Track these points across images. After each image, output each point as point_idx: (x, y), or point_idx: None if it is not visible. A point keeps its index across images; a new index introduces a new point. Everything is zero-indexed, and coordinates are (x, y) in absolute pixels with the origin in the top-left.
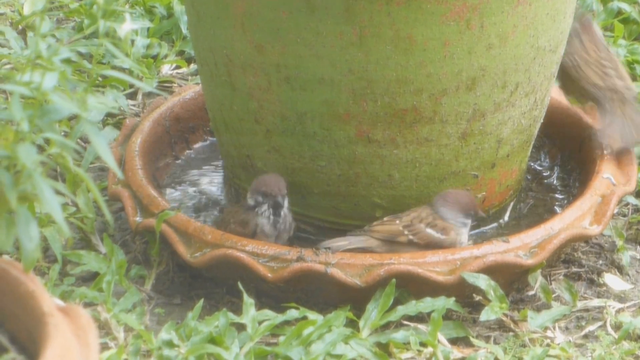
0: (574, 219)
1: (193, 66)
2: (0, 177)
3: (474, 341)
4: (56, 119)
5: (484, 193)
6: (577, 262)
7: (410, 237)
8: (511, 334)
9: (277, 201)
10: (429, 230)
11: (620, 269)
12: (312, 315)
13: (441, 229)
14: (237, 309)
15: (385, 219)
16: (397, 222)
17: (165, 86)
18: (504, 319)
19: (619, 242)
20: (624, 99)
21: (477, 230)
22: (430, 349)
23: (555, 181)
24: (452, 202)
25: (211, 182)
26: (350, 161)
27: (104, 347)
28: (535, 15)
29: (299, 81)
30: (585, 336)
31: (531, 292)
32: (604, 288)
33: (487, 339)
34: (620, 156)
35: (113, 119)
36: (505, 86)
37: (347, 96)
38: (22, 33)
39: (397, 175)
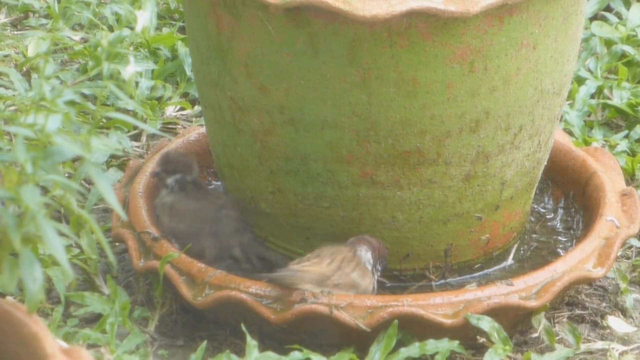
0: (577, 262)
1: (197, 108)
2: (4, 219)
3: None
4: (60, 160)
5: (488, 235)
6: (580, 305)
7: (339, 281)
8: None
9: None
10: (354, 275)
11: (623, 312)
12: (316, 357)
13: (361, 274)
14: (241, 351)
15: (310, 257)
16: (327, 262)
17: (169, 128)
18: None
19: (623, 285)
20: None
21: (481, 273)
22: None
23: (558, 224)
24: (371, 248)
25: None
26: (353, 203)
27: None
28: (538, 58)
29: (303, 123)
30: None
31: (535, 335)
32: (608, 331)
33: None
34: (624, 199)
35: (117, 161)
36: (509, 129)
37: (350, 138)
38: (27, 75)
39: (401, 217)
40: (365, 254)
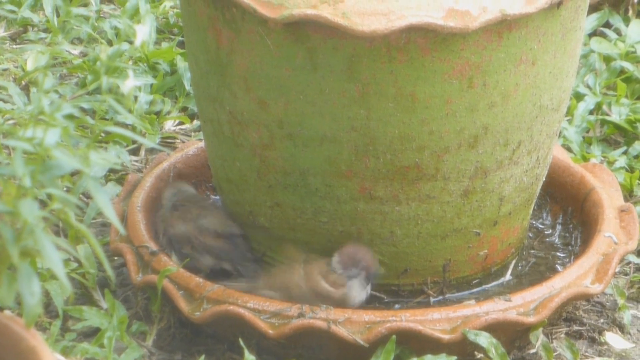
0: (575, 278)
1: (196, 122)
2: (2, 233)
3: None
4: (58, 174)
5: (486, 251)
6: (578, 321)
7: (304, 289)
8: None
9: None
10: (323, 283)
11: (621, 328)
12: None
13: (332, 282)
14: None
15: (283, 266)
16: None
17: (168, 142)
18: None
19: (621, 301)
20: None
21: (479, 288)
22: None
23: (557, 239)
24: (346, 255)
25: None
26: (352, 217)
27: None
28: (537, 73)
29: (302, 138)
30: None
31: (532, 351)
32: (605, 347)
33: None
34: (623, 215)
35: (115, 175)
36: (508, 144)
37: (349, 153)
38: (25, 89)
39: (399, 232)
40: (335, 263)
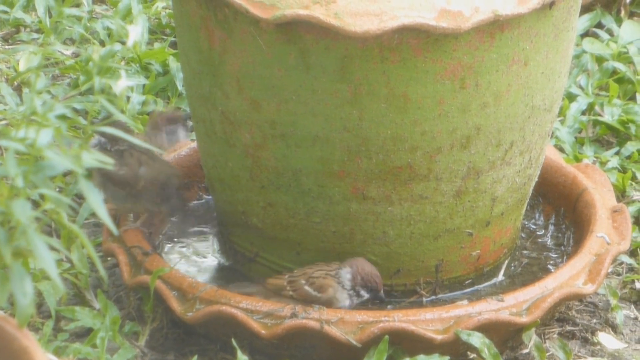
0: (568, 278)
1: (188, 123)
2: None
3: None
4: (51, 175)
5: (479, 251)
6: (571, 321)
7: (291, 292)
8: None
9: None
10: (307, 288)
11: (614, 328)
12: None
13: (318, 286)
14: None
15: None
16: (286, 276)
17: None
18: None
19: (613, 301)
20: None
21: (471, 289)
22: None
23: (549, 240)
24: (352, 270)
25: (206, 238)
26: (344, 218)
27: None
28: (529, 74)
29: (294, 138)
30: None
31: (525, 351)
32: (598, 347)
33: None
34: (615, 215)
35: None
36: (500, 145)
37: (341, 153)
38: (18, 89)
39: (392, 232)
40: (345, 274)
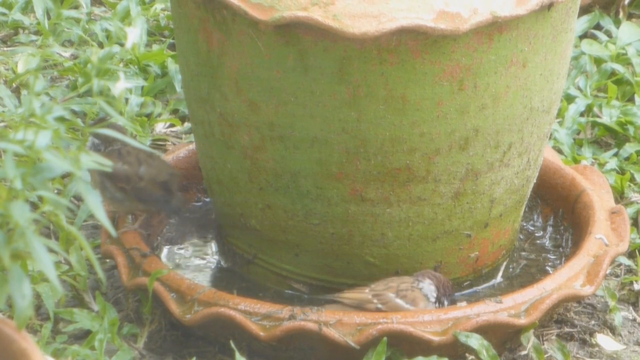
0: (566, 280)
1: (187, 124)
2: None
3: None
4: (49, 177)
5: (477, 253)
6: (569, 323)
7: (379, 305)
8: None
9: None
10: (398, 301)
11: (612, 330)
12: None
13: (411, 299)
14: None
15: (368, 284)
16: (367, 290)
17: (159, 144)
18: None
19: (612, 303)
20: None
21: (470, 290)
22: None
23: (547, 241)
24: (435, 281)
25: (204, 240)
26: (343, 220)
27: None
28: (528, 76)
29: (293, 140)
30: None
31: (523, 352)
32: (597, 348)
33: None
34: (613, 217)
35: None
36: (498, 146)
37: (340, 155)
38: (16, 91)
39: (390, 234)
40: (429, 286)
